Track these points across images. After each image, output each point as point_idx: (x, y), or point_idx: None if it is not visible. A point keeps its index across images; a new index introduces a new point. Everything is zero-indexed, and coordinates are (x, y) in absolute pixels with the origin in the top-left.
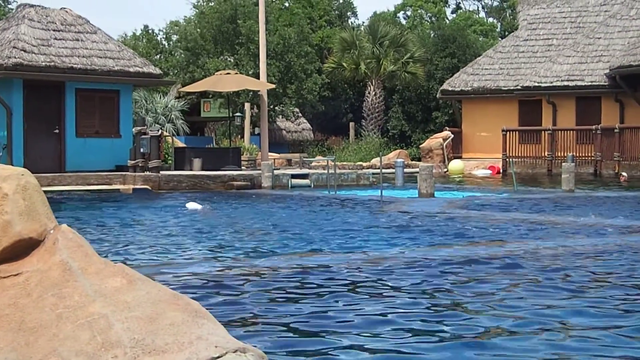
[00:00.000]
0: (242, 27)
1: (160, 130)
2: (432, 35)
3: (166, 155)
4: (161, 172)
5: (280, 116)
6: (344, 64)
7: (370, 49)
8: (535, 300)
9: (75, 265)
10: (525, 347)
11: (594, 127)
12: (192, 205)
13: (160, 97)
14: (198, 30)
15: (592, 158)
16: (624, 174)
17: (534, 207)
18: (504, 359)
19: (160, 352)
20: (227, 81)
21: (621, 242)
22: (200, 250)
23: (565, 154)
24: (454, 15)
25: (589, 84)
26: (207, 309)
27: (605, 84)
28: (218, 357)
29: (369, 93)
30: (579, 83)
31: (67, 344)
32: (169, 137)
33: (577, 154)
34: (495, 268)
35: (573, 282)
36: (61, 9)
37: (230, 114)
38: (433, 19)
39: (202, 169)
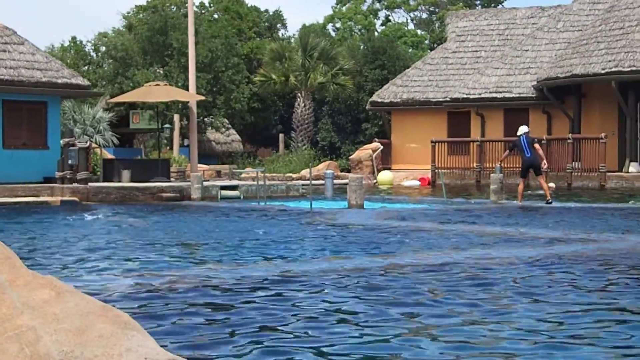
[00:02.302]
0: (173, 39)
1: (88, 142)
2: (362, 47)
3: (95, 167)
4: (90, 184)
5: (210, 127)
6: (273, 76)
7: (300, 61)
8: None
9: (2, 278)
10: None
11: None
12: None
13: (88, 109)
14: (128, 40)
15: (520, 169)
16: (552, 184)
17: (463, 217)
18: None
19: None
20: (156, 92)
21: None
22: (125, 261)
23: (494, 165)
24: (384, 27)
25: (517, 95)
26: (136, 320)
27: (533, 95)
28: None
29: (298, 105)
30: (507, 95)
31: None
32: (98, 149)
33: (506, 165)
34: (427, 277)
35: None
36: None
37: (159, 126)
38: (363, 30)
39: (131, 181)
